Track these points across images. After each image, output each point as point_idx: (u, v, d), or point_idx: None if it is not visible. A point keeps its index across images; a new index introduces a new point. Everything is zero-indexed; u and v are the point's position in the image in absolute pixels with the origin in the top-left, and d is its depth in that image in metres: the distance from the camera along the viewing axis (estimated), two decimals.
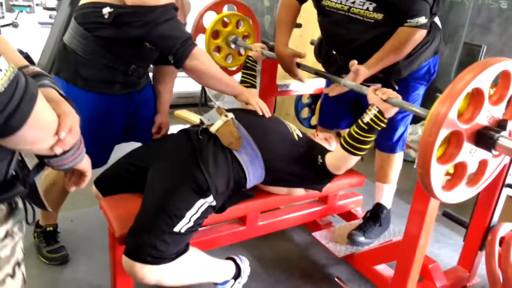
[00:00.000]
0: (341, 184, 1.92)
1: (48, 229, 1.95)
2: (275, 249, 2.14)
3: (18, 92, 0.56)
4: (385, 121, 1.42)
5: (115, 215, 1.44)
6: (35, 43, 4.73)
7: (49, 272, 1.86)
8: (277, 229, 1.89)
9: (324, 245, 1.90)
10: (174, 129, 1.79)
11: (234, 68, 2.46)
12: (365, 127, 1.43)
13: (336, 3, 1.65)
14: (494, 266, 1.70)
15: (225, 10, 2.35)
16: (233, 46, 2.29)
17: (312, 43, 2.23)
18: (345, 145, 1.49)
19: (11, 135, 0.59)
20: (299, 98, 2.68)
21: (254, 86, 1.96)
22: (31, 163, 0.79)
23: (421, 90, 1.83)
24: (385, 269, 1.79)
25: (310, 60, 3.47)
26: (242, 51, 2.37)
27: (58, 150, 0.70)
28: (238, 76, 3.73)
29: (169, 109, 1.98)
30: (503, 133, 1.07)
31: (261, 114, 1.67)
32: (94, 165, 1.72)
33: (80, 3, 1.59)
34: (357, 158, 1.51)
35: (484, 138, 1.07)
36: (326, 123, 2.14)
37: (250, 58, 2.01)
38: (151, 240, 1.29)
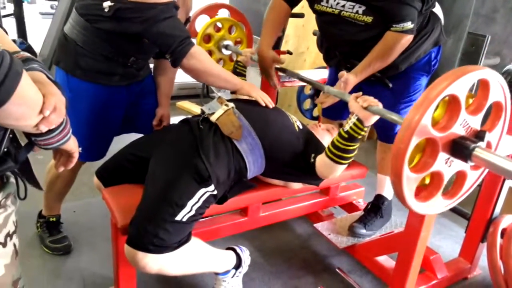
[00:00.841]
0: (343, 175, 1.91)
1: (51, 219, 1.96)
2: (276, 239, 2.15)
3: (3, 69, 0.59)
4: (365, 129, 1.40)
5: (117, 205, 1.45)
6: (36, 34, 4.70)
7: (52, 262, 1.87)
8: (279, 220, 1.89)
9: (326, 236, 1.91)
10: (176, 120, 1.78)
11: None
12: (346, 135, 1.42)
13: (327, 7, 1.66)
14: (495, 258, 1.71)
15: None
16: (224, 51, 2.27)
17: (314, 33, 2.21)
18: (329, 153, 1.47)
19: None
20: (301, 89, 2.67)
21: None
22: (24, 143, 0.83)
23: (422, 81, 1.82)
24: (386, 260, 1.79)
25: (313, 50, 3.46)
26: (234, 56, 2.35)
27: (43, 128, 0.73)
28: None
29: (170, 101, 1.97)
30: (480, 143, 1.02)
31: (264, 105, 1.67)
32: (94, 157, 1.75)
33: None
34: (343, 166, 1.49)
35: (460, 148, 1.02)
36: (329, 114, 2.13)
37: (239, 63, 1.99)
38: (153, 228, 1.29)
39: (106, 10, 1.46)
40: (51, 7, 9.05)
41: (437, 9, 1.75)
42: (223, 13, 2.37)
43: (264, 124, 1.58)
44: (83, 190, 2.30)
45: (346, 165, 1.49)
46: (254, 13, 3.49)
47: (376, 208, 1.96)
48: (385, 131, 1.91)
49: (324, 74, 2.33)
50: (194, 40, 2.19)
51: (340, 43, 1.79)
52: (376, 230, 1.94)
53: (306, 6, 2.04)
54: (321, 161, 1.52)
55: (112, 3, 1.46)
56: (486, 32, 2.89)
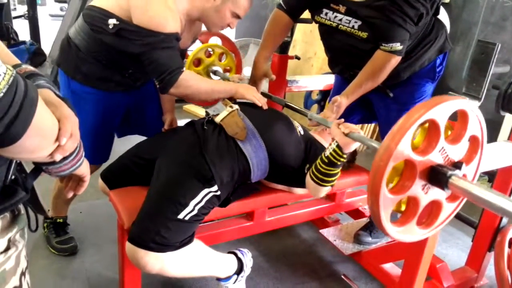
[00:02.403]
0: (349, 181, 1.91)
1: (58, 220, 1.97)
2: (282, 245, 2.14)
3: (18, 97, 0.51)
4: (344, 156, 1.39)
5: (124, 207, 1.45)
6: (46, 35, 4.76)
7: (57, 263, 1.88)
8: (285, 225, 1.88)
9: (331, 242, 1.90)
10: (182, 123, 1.79)
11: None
12: (326, 160, 1.41)
13: (325, 19, 1.67)
14: (503, 267, 1.69)
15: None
16: (212, 76, 2.28)
17: None
18: (312, 175, 1.47)
19: (11, 145, 0.55)
20: (308, 94, 2.67)
21: None
22: (29, 166, 0.75)
23: (427, 88, 1.81)
24: (392, 268, 1.78)
25: (321, 56, 3.47)
26: None
27: (58, 157, 0.66)
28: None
29: (175, 105, 2.00)
30: (456, 171, 1.02)
31: (259, 105, 1.67)
32: (95, 160, 1.77)
33: (91, 3, 1.61)
34: (327, 189, 1.49)
35: (437, 174, 1.02)
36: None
37: None
38: (155, 226, 1.30)
39: (110, 27, 1.50)
40: (61, 9, 9.18)
41: (443, 16, 1.74)
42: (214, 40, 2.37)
43: (267, 127, 1.58)
44: (90, 191, 2.29)
45: (330, 188, 1.49)
46: (262, 19, 3.50)
47: None
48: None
49: (331, 79, 2.34)
50: (184, 61, 2.19)
51: (340, 53, 1.80)
52: (382, 238, 1.93)
53: None
54: (307, 179, 1.51)
55: (117, 22, 1.49)
56: (495, 40, 2.87)
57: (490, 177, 2.17)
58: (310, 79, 2.41)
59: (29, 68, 0.72)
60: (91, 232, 2.09)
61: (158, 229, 1.29)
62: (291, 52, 2.82)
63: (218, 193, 1.42)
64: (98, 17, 1.54)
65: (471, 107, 1.04)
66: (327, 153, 1.41)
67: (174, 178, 1.39)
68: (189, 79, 1.57)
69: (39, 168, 0.71)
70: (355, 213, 2.15)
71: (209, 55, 2.21)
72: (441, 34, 1.73)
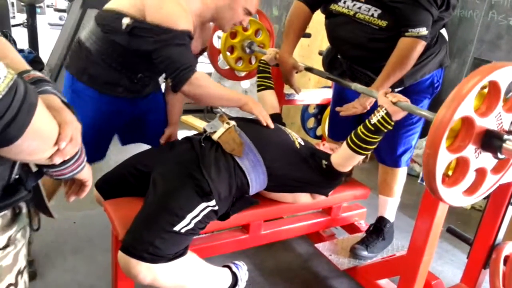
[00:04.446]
0: (345, 195, 1.91)
1: None
2: (277, 258, 2.13)
3: (17, 101, 0.54)
4: (392, 123, 1.44)
5: (118, 217, 1.44)
6: (44, 44, 4.77)
7: (50, 274, 1.85)
8: (280, 238, 1.88)
9: (327, 257, 1.89)
10: (180, 134, 1.79)
11: (242, 74, 2.47)
12: (372, 128, 1.45)
13: (343, 7, 1.69)
14: (498, 285, 1.68)
15: None
16: (247, 50, 2.31)
17: (320, 53, 2.23)
18: (351, 144, 1.51)
19: (8, 146, 0.57)
20: (305, 108, 2.69)
21: (272, 88, 1.97)
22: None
23: (425, 103, 1.83)
24: (387, 284, 1.77)
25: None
26: (253, 60, 2.39)
27: (57, 160, 0.68)
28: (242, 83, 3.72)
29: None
30: (511, 137, 1.05)
31: (265, 124, 1.67)
32: (91, 159, 1.75)
33: (105, 7, 1.62)
34: (362, 157, 1.53)
35: (492, 138, 1.05)
36: (335, 135, 2.13)
37: (263, 61, 2.02)
38: (150, 236, 1.28)
39: (123, 26, 1.51)
40: (60, 18, 9.21)
41: (444, 31, 1.78)
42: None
43: (265, 142, 1.59)
44: (83, 201, 2.27)
45: (364, 156, 1.54)
46: None
47: (378, 230, 1.94)
48: (386, 155, 1.90)
49: (328, 94, 2.35)
50: (221, 34, 2.23)
51: (347, 47, 1.80)
52: (377, 253, 1.92)
53: (312, 26, 2.07)
54: (338, 157, 1.57)
55: (131, 21, 1.50)
56: (490, 58, 2.92)
57: None
58: (307, 93, 2.43)
59: (37, 74, 0.75)
60: (85, 242, 2.06)
61: (152, 239, 1.28)
62: None
63: (216, 208, 1.41)
64: (111, 18, 1.55)
65: None
66: (374, 120, 1.44)
67: (172, 189, 1.38)
68: (202, 79, 1.58)
69: (40, 171, 0.74)
70: (351, 228, 2.14)
71: (245, 30, 2.24)
72: (443, 48, 1.76)
